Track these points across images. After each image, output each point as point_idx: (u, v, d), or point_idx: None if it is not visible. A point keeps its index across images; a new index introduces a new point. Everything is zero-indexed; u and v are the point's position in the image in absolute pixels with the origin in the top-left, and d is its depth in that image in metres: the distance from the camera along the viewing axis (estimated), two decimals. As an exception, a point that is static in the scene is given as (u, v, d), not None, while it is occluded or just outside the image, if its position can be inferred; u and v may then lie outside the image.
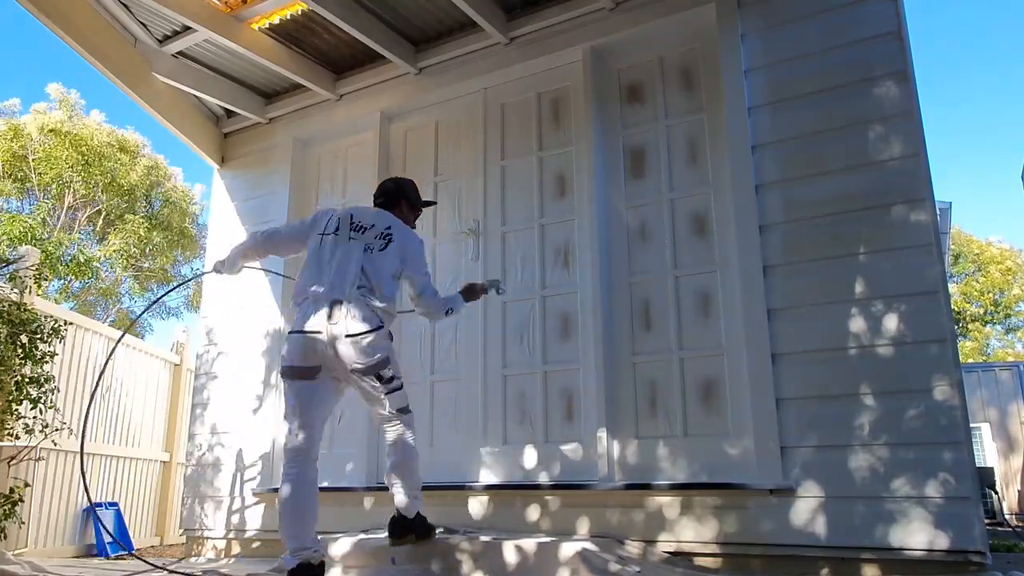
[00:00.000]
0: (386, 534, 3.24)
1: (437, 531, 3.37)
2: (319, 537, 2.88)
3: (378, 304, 2.92)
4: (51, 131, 13.88)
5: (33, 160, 13.93)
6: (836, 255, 3.23)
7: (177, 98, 5.17)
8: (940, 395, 2.92)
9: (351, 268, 2.93)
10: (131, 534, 5.98)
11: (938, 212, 3.66)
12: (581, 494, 3.56)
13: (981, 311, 23.40)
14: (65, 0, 4.27)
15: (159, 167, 15.96)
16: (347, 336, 2.82)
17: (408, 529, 3.18)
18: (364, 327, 2.84)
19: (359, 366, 2.86)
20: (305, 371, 2.89)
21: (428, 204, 3.53)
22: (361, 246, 3.01)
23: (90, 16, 4.47)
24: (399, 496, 3.12)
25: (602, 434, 3.63)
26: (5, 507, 4.46)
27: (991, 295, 23.30)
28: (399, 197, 3.32)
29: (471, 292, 3.41)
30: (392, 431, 3.07)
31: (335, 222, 3.11)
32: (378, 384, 2.92)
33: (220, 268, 3.42)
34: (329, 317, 2.84)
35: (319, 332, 2.84)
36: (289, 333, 2.98)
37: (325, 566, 2.89)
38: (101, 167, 14.43)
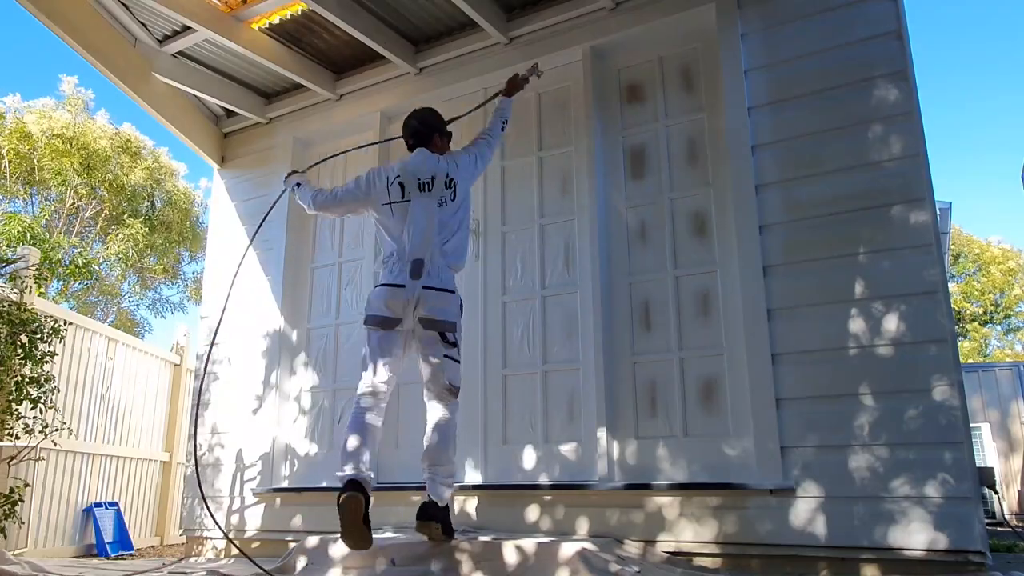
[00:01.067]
0: (388, 533, 3.24)
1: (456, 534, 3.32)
2: (320, 537, 2.89)
3: (455, 268, 3.14)
4: (56, 136, 13.90)
5: (37, 162, 13.94)
6: (836, 255, 3.23)
7: (177, 98, 5.18)
8: (940, 395, 2.92)
9: (431, 227, 3.09)
10: (131, 534, 5.98)
11: (938, 212, 3.66)
12: (581, 494, 3.56)
13: (981, 311, 23.41)
14: (65, 0, 4.27)
15: (162, 166, 15.96)
16: (427, 288, 3.01)
17: (435, 516, 3.14)
18: (444, 285, 3.06)
19: (433, 317, 3.02)
20: (386, 321, 3.06)
21: (453, 120, 3.62)
22: (434, 203, 3.14)
23: (90, 16, 4.47)
24: (433, 484, 3.13)
25: (602, 434, 3.63)
26: (5, 507, 4.46)
27: (991, 295, 23.31)
28: (431, 132, 3.37)
29: (514, 86, 3.64)
30: (437, 407, 3.13)
31: (397, 187, 3.20)
32: (441, 345, 3.05)
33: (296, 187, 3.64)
34: (412, 273, 3.02)
35: (402, 286, 3.03)
36: (375, 287, 3.17)
37: (370, 496, 2.95)
38: (103, 170, 14.46)
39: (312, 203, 3.47)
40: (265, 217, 4.00)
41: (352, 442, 2.99)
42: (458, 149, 3.43)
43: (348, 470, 2.92)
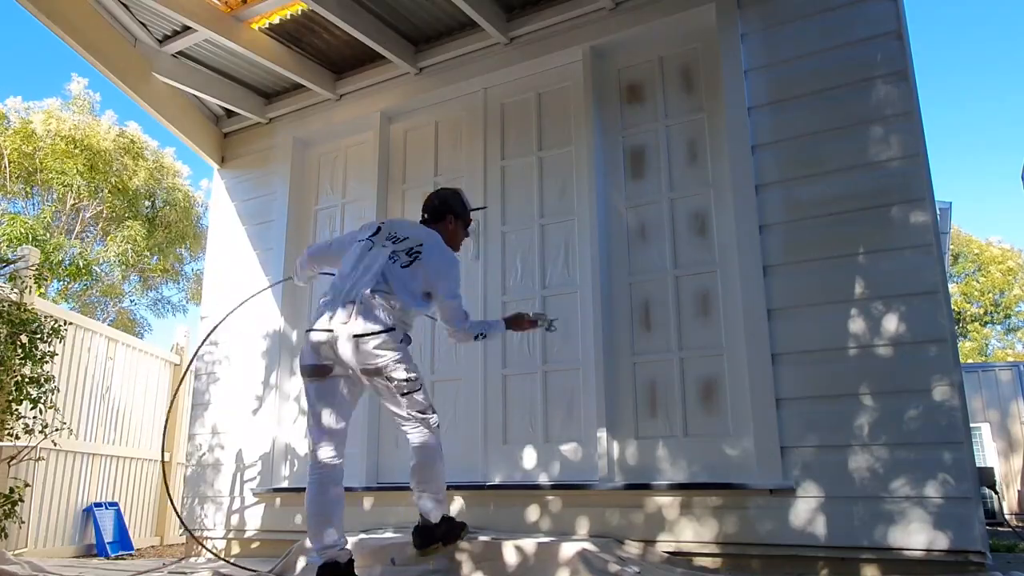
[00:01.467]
0: (388, 534, 3.23)
1: (467, 531, 3.28)
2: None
3: (394, 306, 2.88)
4: (61, 137, 13.91)
5: (40, 162, 13.96)
6: (836, 255, 3.23)
7: (177, 98, 5.18)
8: (940, 395, 2.92)
9: (372, 272, 2.91)
10: (131, 534, 5.98)
11: (938, 212, 3.66)
12: (581, 494, 3.56)
13: (981, 311, 23.42)
14: (65, 0, 4.27)
15: (164, 167, 15.97)
16: (353, 336, 2.79)
17: (432, 537, 3.05)
18: (372, 328, 2.80)
19: (367, 367, 2.82)
20: (317, 369, 2.88)
21: (477, 210, 3.44)
22: (387, 253, 2.98)
23: (90, 16, 4.47)
24: (422, 501, 3.04)
25: (602, 434, 3.63)
26: (5, 507, 4.46)
27: (991, 295, 23.32)
28: (444, 211, 3.23)
29: (517, 322, 3.27)
30: (412, 433, 2.98)
31: (374, 229, 3.11)
32: (391, 385, 2.86)
33: (293, 277, 3.60)
34: (340, 317, 2.82)
35: (329, 331, 2.83)
36: (306, 332, 2.98)
37: (353, 564, 2.83)
38: (107, 171, 14.48)
39: (306, 258, 3.45)
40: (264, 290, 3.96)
41: (315, 516, 2.82)
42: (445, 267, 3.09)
43: (320, 552, 2.78)
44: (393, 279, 2.91)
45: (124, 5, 4.56)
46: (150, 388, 6.70)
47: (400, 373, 2.85)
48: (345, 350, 2.81)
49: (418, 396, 2.93)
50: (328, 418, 2.87)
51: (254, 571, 3.43)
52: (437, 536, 3.06)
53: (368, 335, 2.79)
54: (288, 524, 4.39)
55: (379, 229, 3.10)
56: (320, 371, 2.87)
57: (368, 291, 2.84)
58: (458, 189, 3.39)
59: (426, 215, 3.26)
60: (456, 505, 3.86)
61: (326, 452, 2.86)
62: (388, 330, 2.82)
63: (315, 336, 2.86)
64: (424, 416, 2.96)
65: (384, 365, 2.82)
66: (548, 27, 4.26)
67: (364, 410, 4.39)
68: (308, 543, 2.85)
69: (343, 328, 2.80)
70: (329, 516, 2.80)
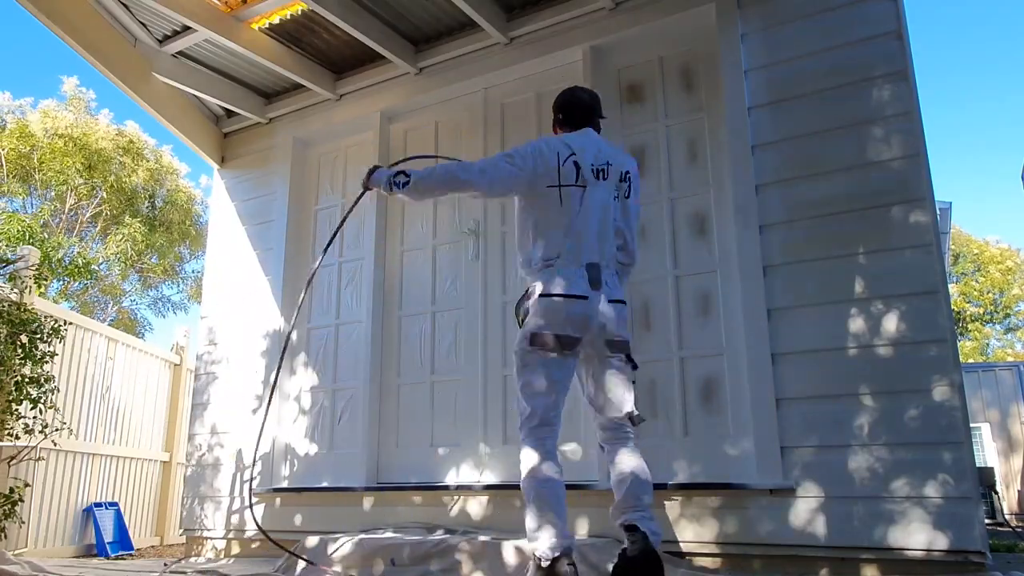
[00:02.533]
0: (388, 534, 3.22)
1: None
2: (320, 537, 2.84)
3: (626, 271, 2.71)
4: (59, 136, 13.92)
5: (39, 161, 13.96)
6: (836, 255, 3.23)
7: (177, 98, 5.18)
8: (940, 395, 2.92)
9: (606, 224, 2.58)
10: (131, 534, 5.98)
11: (938, 212, 3.65)
12: (581, 494, 3.56)
13: (981, 311, 23.43)
14: (65, 0, 4.27)
15: (163, 166, 15.97)
16: (611, 301, 2.51)
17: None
18: (621, 296, 2.57)
19: (619, 338, 2.53)
20: (567, 341, 2.47)
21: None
22: (610, 194, 2.61)
23: (90, 16, 4.47)
24: (649, 519, 2.48)
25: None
26: (5, 507, 4.47)
27: (991, 295, 23.33)
28: (598, 113, 2.82)
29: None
30: (626, 448, 2.56)
31: (571, 167, 2.57)
32: (626, 365, 2.56)
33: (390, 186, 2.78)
34: (591, 282, 2.49)
35: (584, 297, 2.48)
36: (541, 296, 2.51)
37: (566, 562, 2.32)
38: (105, 170, 14.48)
39: (453, 179, 2.66)
40: (345, 220, 3.46)
41: (545, 504, 2.36)
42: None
43: (556, 545, 2.28)
44: (626, 225, 2.67)
45: (124, 5, 4.56)
46: (150, 388, 6.70)
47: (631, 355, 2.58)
48: (606, 316, 2.49)
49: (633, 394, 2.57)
50: (557, 397, 2.51)
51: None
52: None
53: (623, 302, 2.56)
54: (288, 524, 4.39)
55: (577, 168, 2.58)
56: (568, 343, 2.48)
57: (614, 250, 2.62)
58: (585, 88, 2.98)
59: (580, 116, 2.78)
60: (456, 505, 3.86)
61: (550, 431, 2.50)
62: (626, 303, 2.63)
63: (567, 302, 2.46)
64: (639, 420, 2.58)
65: (628, 339, 2.58)
66: (548, 27, 4.26)
67: (364, 410, 4.40)
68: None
69: (598, 293, 2.49)
70: (560, 505, 2.39)
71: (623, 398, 2.58)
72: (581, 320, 2.48)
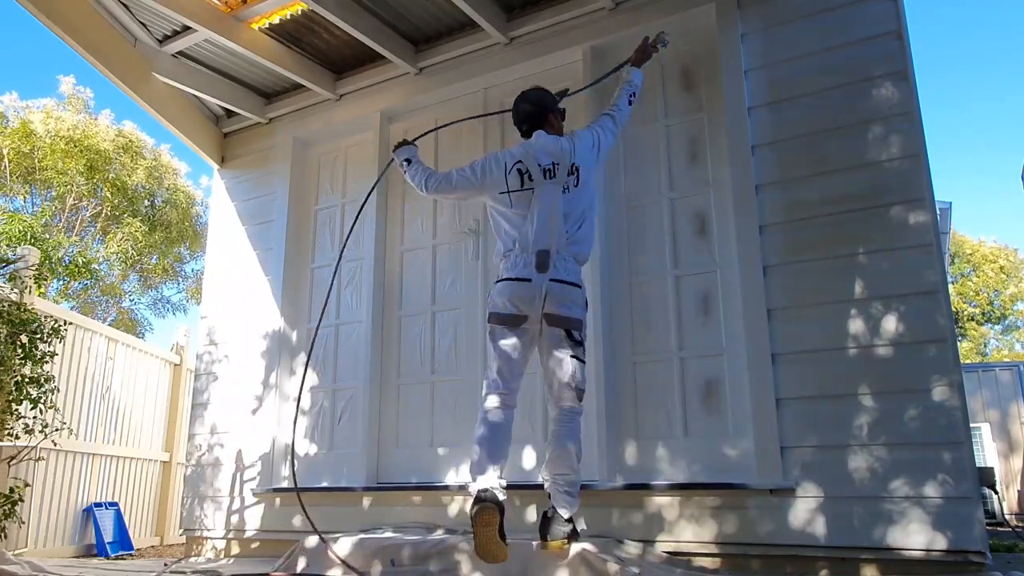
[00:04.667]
0: (388, 534, 3.22)
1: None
2: (322, 535, 2.85)
3: (580, 262, 2.93)
4: (60, 137, 13.92)
5: (40, 161, 13.96)
6: (836, 255, 3.23)
7: (177, 98, 5.18)
8: (940, 395, 2.92)
9: (556, 216, 2.86)
10: (131, 534, 5.98)
11: (938, 212, 3.65)
12: (581, 494, 3.54)
13: (978, 311, 23.44)
14: (65, 0, 4.27)
15: (163, 165, 15.97)
16: (554, 281, 2.80)
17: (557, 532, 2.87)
18: (570, 278, 2.84)
19: (559, 313, 2.81)
20: (510, 319, 2.86)
21: (563, 95, 3.29)
22: (558, 189, 2.91)
23: (90, 16, 4.47)
24: (557, 492, 2.88)
25: (602, 434, 3.63)
26: (5, 507, 4.47)
27: (986, 295, 23.34)
28: (544, 113, 3.11)
29: (643, 54, 3.35)
30: (564, 415, 2.88)
31: (516, 175, 2.96)
32: (568, 344, 2.83)
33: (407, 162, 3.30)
34: (538, 266, 2.81)
35: (528, 280, 2.82)
36: (496, 282, 2.95)
37: (504, 507, 2.67)
38: (106, 170, 14.49)
39: (424, 185, 3.19)
40: (374, 186, 3.96)
41: (485, 453, 2.75)
42: (581, 128, 3.16)
43: (480, 482, 2.67)
44: (576, 213, 2.92)
45: (124, 5, 4.56)
46: (150, 388, 6.70)
47: (579, 335, 2.86)
48: (548, 293, 2.80)
49: (584, 370, 2.90)
50: (509, 368, 2.89)
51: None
52: (564, 532, 2.88)
53: (568, 283, 2.83)
54: (288, 524, 4.39)
55: (522, 175, 2.95)
56: (513, 321, 2.86)
57: (563, 238, 2.86)
58: (540, 87, 3.27)
59: (526, 125, 3.12)
60: (456, 505, 3.86)
61: (504, 397, 2.88)
62: (579, 286, 2.89)
63: (511, 284, 2.85)
64: (581, 392, 2.90)
65: (574, 318, 2.84)
66: (548, 27, 4.26)
67: (364, 410, 4.40)
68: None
69: (544, 274, 2.81)
70: (496, 455, 2.75)
71: (563, 370, 2.85)
72: (524, 299, 2.84)
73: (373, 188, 3.91)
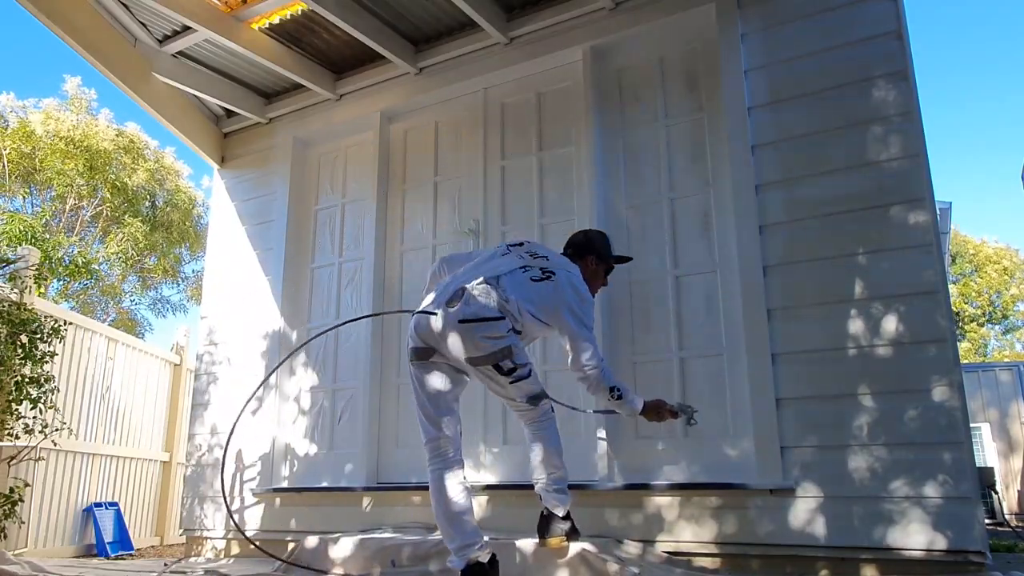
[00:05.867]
0: (388, 534, 3.22)
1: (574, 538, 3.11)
2: (319, 537, 2.84)
3: (508, 299, 2.65)
4: (60, 138, 13.93)
5: (40, 161, 13.97)
6: (836, 255, 3.23)
7: (177, 98, 5.18)
8: (940, 395, 2.92)
9: (494, 269, 2.75)
10: (131, 534, 5.98)
11: (938, 212, 3.66)
12: (581, 494, 3.55)
13: (979, 312, 23.44)
14: (65, 0, 4.27)
15: (164, 167, 15.98)
16: (459, 322, 2.60)
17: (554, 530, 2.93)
18: (480, 315, 2.60)
19: (472, 355, 2.63)
20: (419, 352, 2.72)
21: (621, 260, 3.18)
22: (520, 263, 2.81)
23: (90, 16, 4.47)
24: (548, 492, 2.94)
25: (602, 434, 3.63)
26: (5, 507, 4.47)
27: (988, 295, 23.35)
28: (588, 250, 3.07)
29: (657, 409, 2.89)
30: (530, 423, 2.89)
31: (516, 241, 3.00)
32: (497, 375, 2.67)
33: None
34: (448, 303, 2.65)
35: (433, 314, 2.67)
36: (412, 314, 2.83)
37: (497, 561, 2.66)
38: (106, 171, 14.49)
39: (436, 268, 3.13)
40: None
41: (442, 516, 2.65)
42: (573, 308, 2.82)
43: (457, 552, 2.60)
44: (517, 285, 2.71)
45: (124, 5, 4.56)
46: (150, 388, 6.70)
47: (508, 363, 2.64)
48: (449, 338, 2.62)
49: (530, 382, 2.73)
50: (433, 406, 2.74)
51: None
52: (560, 529, 2.94)
53: (475, 321, 2.60)
54: (288, 524, 4.39)
55: (522, 243, 2.97)
56: (420, 354, 2.72)
57: (483, 282, 2.67)
58: (605, 233, 3.25)
59: (569, 250, 3.10)
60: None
61: (437, 443, 2.73)
62: (498, 319, 2.61)
63: (417, 317, 2.71)
64: (535, 399, 2.81)
65: (491, 353, 2.62)
66: (548, 27, 4.26)
67: (364, 410, 4.39)
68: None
69: (449, 311, 2.63)
70: (454, 513, 2.63)
71: (508, 397, 2.84)
72: (425, 333, 2.70)
73: None
